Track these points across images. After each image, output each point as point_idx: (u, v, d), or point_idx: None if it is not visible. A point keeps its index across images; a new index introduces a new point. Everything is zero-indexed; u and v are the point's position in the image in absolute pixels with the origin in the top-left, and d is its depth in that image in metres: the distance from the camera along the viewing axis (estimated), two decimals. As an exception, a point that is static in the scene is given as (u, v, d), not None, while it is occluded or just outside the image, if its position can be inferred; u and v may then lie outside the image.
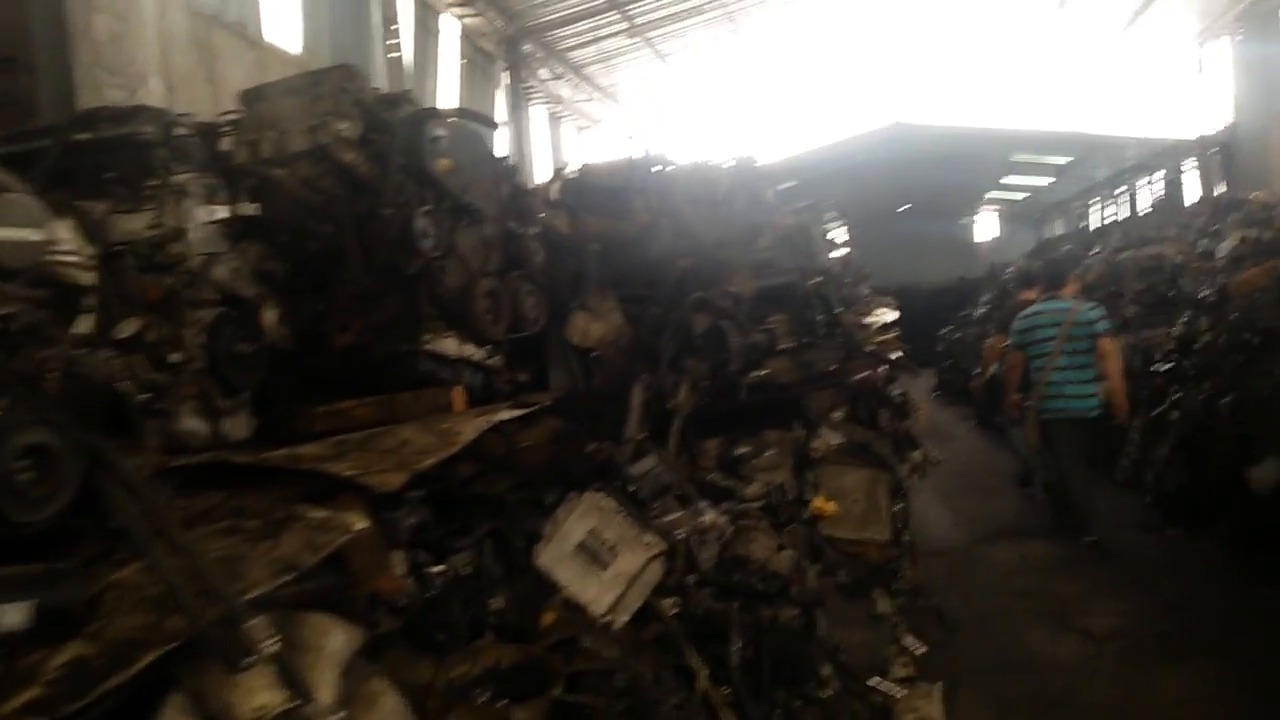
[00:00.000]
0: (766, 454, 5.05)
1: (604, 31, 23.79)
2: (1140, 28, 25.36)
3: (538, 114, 25.89)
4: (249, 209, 4.04)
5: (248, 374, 3.96)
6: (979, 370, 12.20)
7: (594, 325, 4.98)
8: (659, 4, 23.09)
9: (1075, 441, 7.59)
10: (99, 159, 3.83)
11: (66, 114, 8.07)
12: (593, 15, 22.85)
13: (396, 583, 3.04)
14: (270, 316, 4.12)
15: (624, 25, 23.54)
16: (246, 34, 13.40)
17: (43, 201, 2.84)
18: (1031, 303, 8.04)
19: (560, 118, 27.50)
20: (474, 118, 4.64)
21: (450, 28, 20.71)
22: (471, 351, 4.42)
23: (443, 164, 4.35)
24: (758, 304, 5.12)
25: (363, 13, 16.96)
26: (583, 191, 5.76)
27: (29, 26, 9.17)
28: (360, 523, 2.77)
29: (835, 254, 8.58)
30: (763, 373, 4.90)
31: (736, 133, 30.83)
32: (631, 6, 22.76)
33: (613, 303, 5.10)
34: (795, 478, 5.02)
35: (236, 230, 4.06)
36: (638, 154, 6.04)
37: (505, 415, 3.89)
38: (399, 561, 3.46)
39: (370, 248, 4.21)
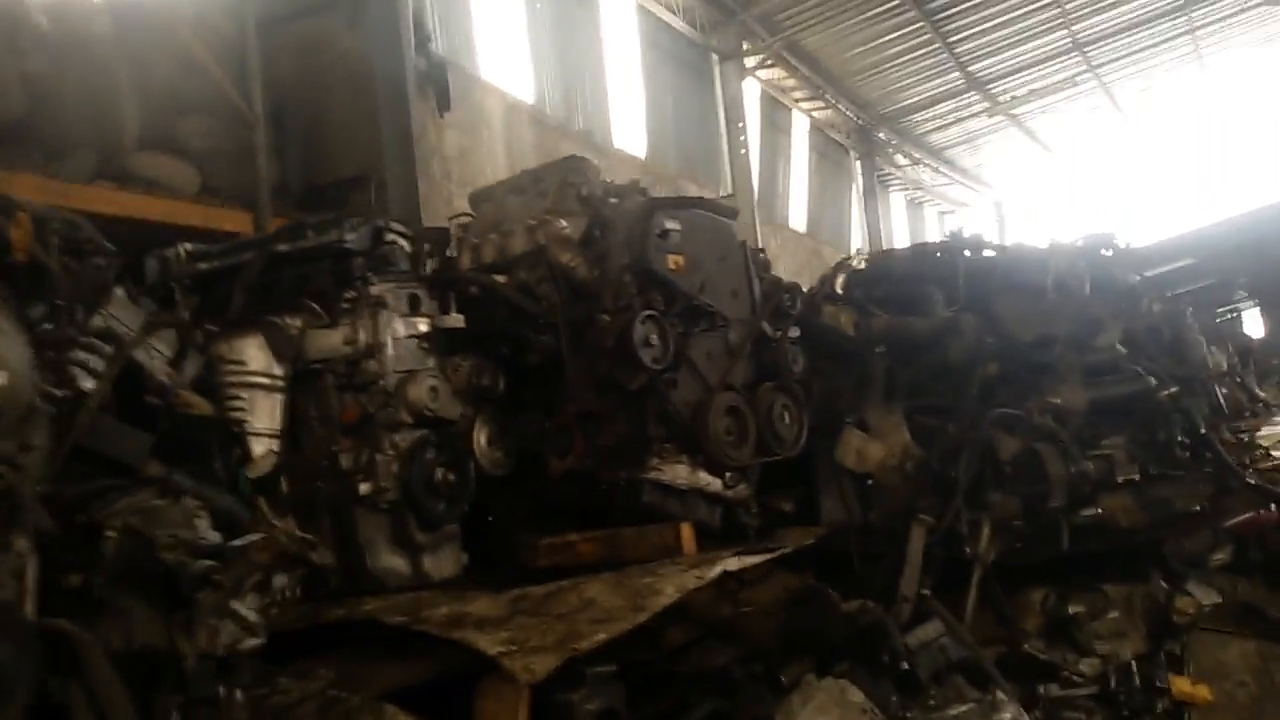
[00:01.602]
0: (1109, 616, 3.84)
1: (965, 112, 22.48)
2: None
3: (896, 201, 24.93)
4: (454, 320, 3.60)
5: (450, 506, 3.48)
6: None
7: (871, 446, 4.08)
8: (1023, 81, 21.44)
9: None
10: (300, 270, 3.55)
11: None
12: (951, 97, 21.69)
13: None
14: (482, 439, 3.64)
15: (985, 105, 22.12)
16: (593, 141, 13.69)
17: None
18: None
19: (921, 203, 26.32)
20: (711, 208, 3.98)
21: (799, 122, 20.42)
22: (707, 480, 3.69)
23: (674, 260, 3.72)
24: (1092, 420, 3.98)
25: (708, 113, 17.05)
26: (874, 283, 4.90)
27: (381, 146, 9.66)
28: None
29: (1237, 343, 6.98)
30: (1094, 512, 3.75)
31: (1119, 208, 27.80)
32: (994, 85, 21.33)
33: (898, 418, 4.17)
34: (1150, 650, 3.77)
35: (445, 344, 3.65)
36: (948, 235, 5.09)
37: (726, 567, 3.11)
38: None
39: (589, 360, 3.63)
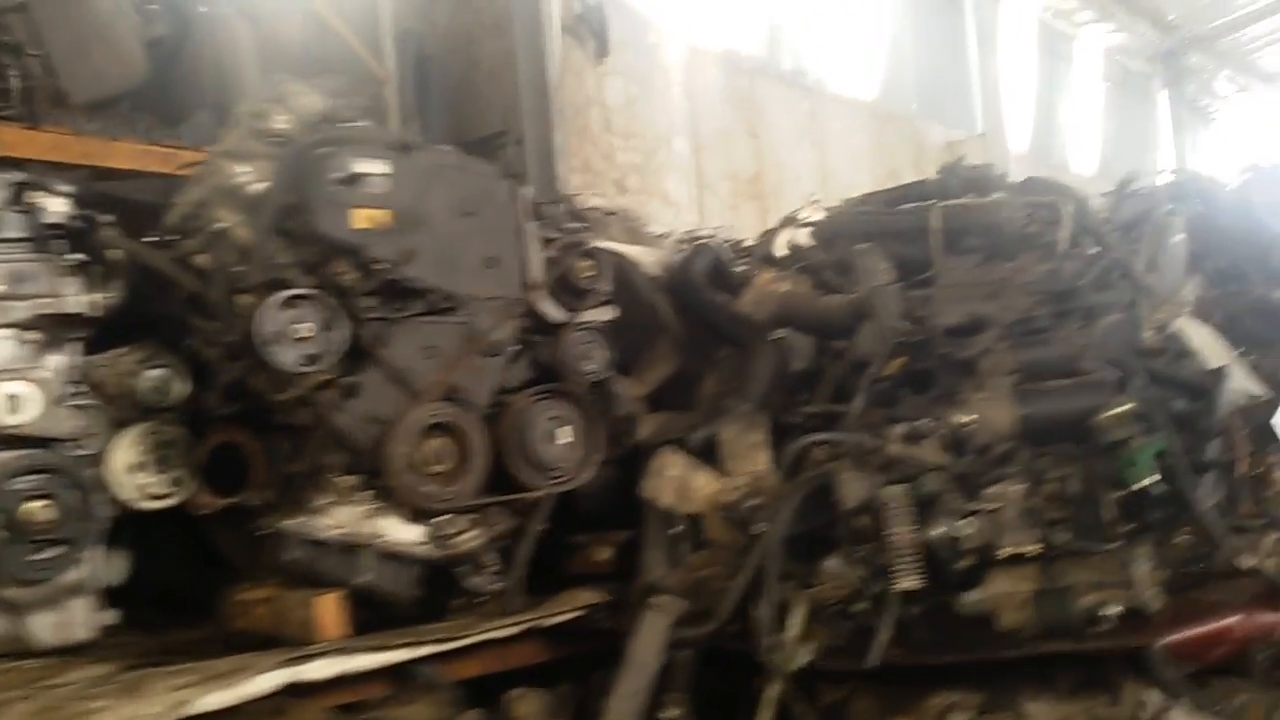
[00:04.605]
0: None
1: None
2: None
3: (1220, 137, 21.22)
4: (81, 304, 2.76)
5: (60, 556, 2.67)
6: None
7: (698, 477, 2.82)
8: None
9: None
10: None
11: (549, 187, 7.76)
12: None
13: None
14: (119, 462, 2.79)
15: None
16: (803, 83, 12.24)
17: None
18: None
19: (1251, 139, 22.29)
20: (402, 144, 2.83)
21: (1086, 50, 17.68)
22: (388, 529, 2.63)
23: (367, 217, 2.66)
24: (1045, 452, 2.47)
25: (958, 44, 15.01)
26: (830, 242, 3.53)
27: (519, 100, 9.06)
28: None
29: None
30: (978, 600, 2.27)
31: None
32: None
33: (760, 436, 2.87)
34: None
35: (85, 335, 2.83)
36: (941, 168, 3.63)
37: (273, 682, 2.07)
38: None
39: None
